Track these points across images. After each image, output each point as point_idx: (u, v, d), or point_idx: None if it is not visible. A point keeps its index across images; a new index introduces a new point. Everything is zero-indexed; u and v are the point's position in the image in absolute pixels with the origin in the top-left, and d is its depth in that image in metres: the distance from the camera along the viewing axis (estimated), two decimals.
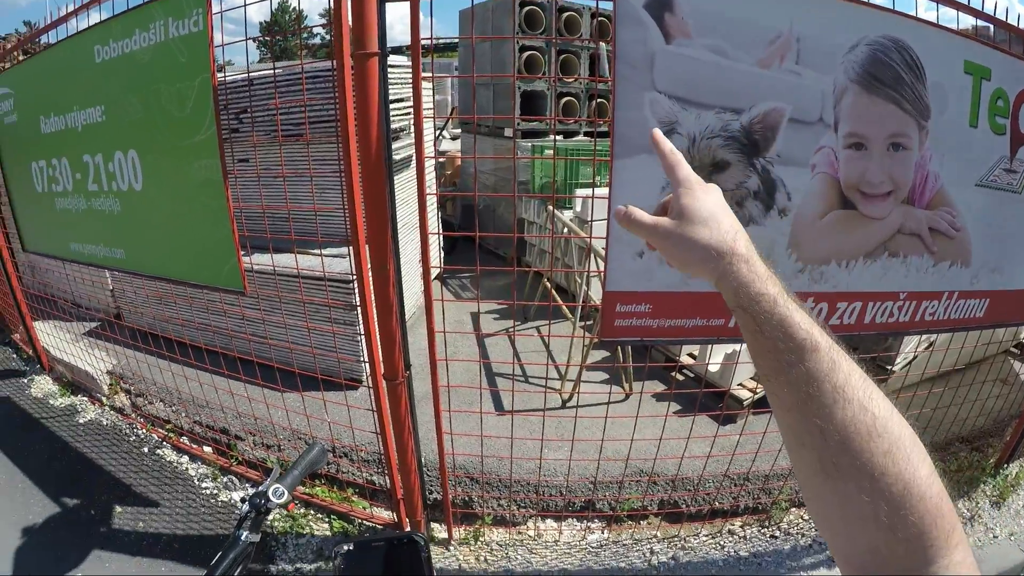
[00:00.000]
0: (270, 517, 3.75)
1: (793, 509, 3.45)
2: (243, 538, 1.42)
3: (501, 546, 3.45)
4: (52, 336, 5.75)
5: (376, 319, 2.62)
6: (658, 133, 0.86)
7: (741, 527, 3.41)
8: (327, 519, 3.66)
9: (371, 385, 2.89)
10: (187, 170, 2.82)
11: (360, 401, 3.97)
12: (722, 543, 3.33)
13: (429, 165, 5.55)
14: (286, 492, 1.50)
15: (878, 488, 0.56)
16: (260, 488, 1.49)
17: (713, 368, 4.12)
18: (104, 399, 5.18)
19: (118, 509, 4.11)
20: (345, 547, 0.70)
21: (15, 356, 6.54)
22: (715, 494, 3.46)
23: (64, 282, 5.63)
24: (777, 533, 3.34)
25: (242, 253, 2.85)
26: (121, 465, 4.51)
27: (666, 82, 2.21)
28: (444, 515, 3.36)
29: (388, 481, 3.25)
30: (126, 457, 4.57)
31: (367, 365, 2.82)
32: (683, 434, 3.15)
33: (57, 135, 3.52)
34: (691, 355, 4.46)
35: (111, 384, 5.24)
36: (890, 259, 2.53)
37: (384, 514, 3.55)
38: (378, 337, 2.67)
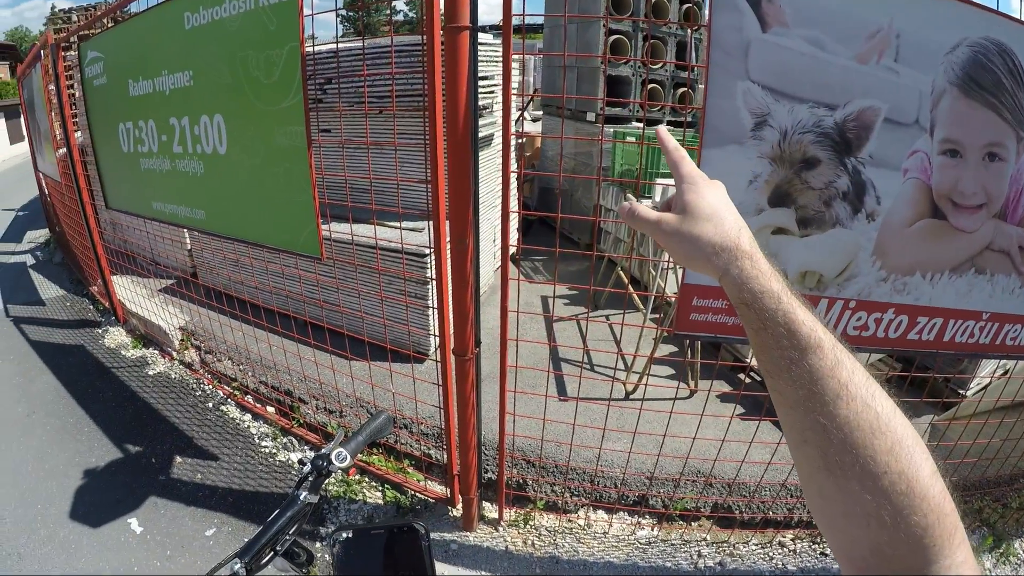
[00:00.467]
0: (329, 480, 3.88)
1: None
2: (302, 498, 1.44)
3: (550, 532, 3.45)
4: (128, 290, 6.01)
5: (451, 294, 2.62)
6: (662, 129, 0.88)
7: (792, 540, 3.32)
8: (381, 488, 3.72)
9: (439, 359, 2.91)
10: (271, 136, 2.87)
11: (425, 374, 4.01)
12: (771, 554, 3.26)
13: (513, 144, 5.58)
14: (348, 457, 1.50)
15: (881, 486, 0.56)
16: (323, 451, 1.50)
17: None
18: (174, 353, 5.39)
19: (178, 459, 4.27)
20: (344, 534, 0.69)
21: (91, 308, 6.84)
22: (770, 503, 3.38)
23: (144, 239, 5.83)
24: (828, 551, 3.24)
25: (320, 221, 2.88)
26: (185, 418, 4.68)
27: (760, 72, 2.14)
28: (497, 495, 3.37)
29: (446, 456, 3.27)
30: (191, 411, 4.75)
31: (437, 339, 2.83)
32: (745, 438, 3.08)
33: (145, 98, 3.63)
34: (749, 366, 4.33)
35: (182, 340, 5.43)
36: (976, 276, 2.42)
37: (438, 488, 3.58)
38: (451, 312, 2.67)
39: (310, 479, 1.49)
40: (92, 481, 4.26)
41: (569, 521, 3.51)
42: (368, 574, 0.70)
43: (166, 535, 3.73)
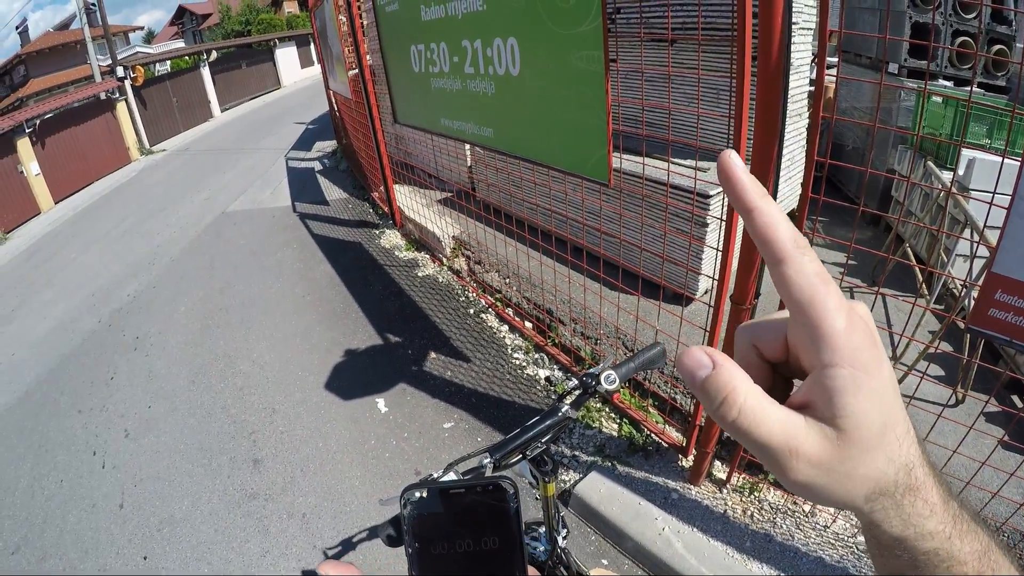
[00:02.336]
0: (589, 403, 3.96)
1: None
2: (563, 411, 1.48)
3: (772, 509, 3.30)
4: (407, 198, 6.51)
5: (739, 239, 2.51)
6: (732, 157, 0.42)
7: None
8: (619, 420, 3.76)
9: (712, 304, 2.82)
10: (566, 59, 2.89)
11: (690, 317, 3.97)
12: None
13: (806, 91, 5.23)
14: (617, 380, 1.48)
15: None
16: (593, 370, 1.50)
17: None
18: (444, 260, 5.79)
19: (432, 355, 4.61)
20: (416, 493, 0.56)
21: (371, 211, 7.52)
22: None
23: (427, 152, 6.23)
24: None
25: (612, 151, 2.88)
26: (445, 319, 5.03)
27: None
28: (732, 456, 3.28)
29: (692, 405, 3.22)
30: (452, 314, 5.09)
31: (715, 283, 2.75)
32: (1004, 468, 2.71)
33: (436, 22, 3.84)
34: None
35: (454, 248, 5.82)
36: None
37: (674, 435, 3.55)
38: (736, 257, 2.58)
39: (575, 394, 1.52)
40: (350, 360, 4.72)
41: (794, 503, 3.34)
42: (442, 541, 0.57)
43: (408, 419, 4.06)
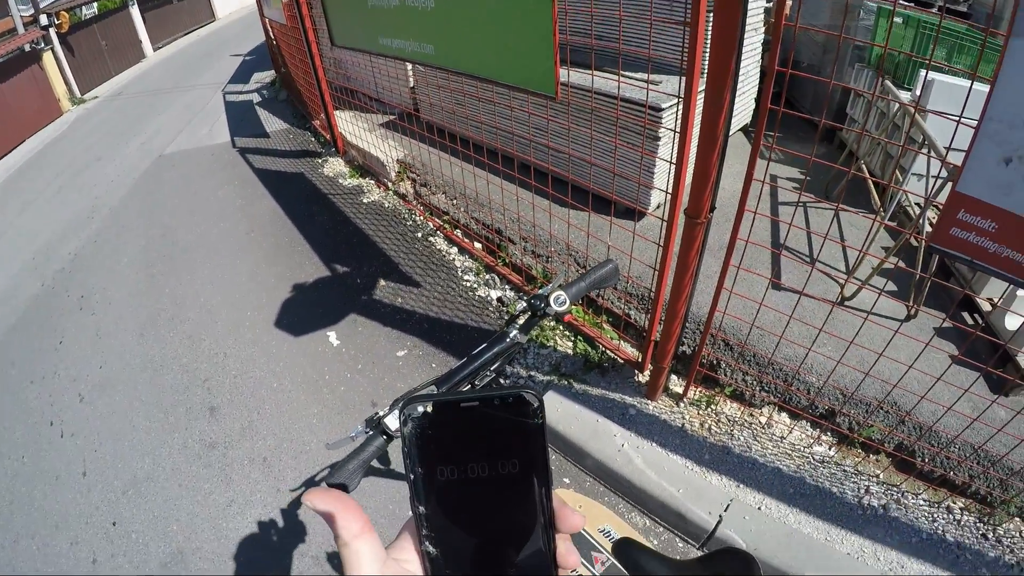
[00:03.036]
0: (543, 322, 3.92)
1: (1017, 520, 2.93)
2: (511, 336, 1.40)
3: (729, 421, 3.33)
4: (349, 124, 6.27)
5: (696, 151, 2.39)
6: None
7: (960, 510, 2.97)
8: (573, 338, 3.72)
9: (665, 218, 2.73)
10: None
11: (645, 231, 3.90)
12: (935, 516, 2.95)
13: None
14: (567, 300, 1.43)
15: None
16: (543, 291, 1.44)
17: (1011, 323, 3.47)
18: (389, 184, 5.65)
19: (381, 283, 4.53)
20: (419, 407, 0.48)
21: (313, 140, 7.29)
22: (955, 462, 3.02)
23: (368, 75, 6.00)
24: (990, 535, 2.88)
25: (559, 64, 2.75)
26: (394, 245, 4.93)
27: None
28: (688, 371, 3.26)
29: (647, 320, 3.17)
30: (399, 239, 4.99)
31: (668, 196, 2.65)
32: (956, 383, 2.72)
33: None
34: (991, 301, 3.79)
35: (399, 171, 5.66)
36: None
37: (630, 351, 3.53)
38: (691, 170, 2.45)
39: (523, 318, 1.45)
40: (299, 295, 4.62)
41: (751, 415, 3.37)
42: (450, 465, 0.49)
43: (360, 350, 4.01)
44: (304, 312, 4.45)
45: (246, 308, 4.57)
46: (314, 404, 3.69)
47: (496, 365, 1.45)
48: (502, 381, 3.59)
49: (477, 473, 0.49)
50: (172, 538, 3.07)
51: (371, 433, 1.28)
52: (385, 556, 0.48)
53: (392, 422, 1.26)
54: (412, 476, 0.49)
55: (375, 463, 3.34)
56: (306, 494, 0.48)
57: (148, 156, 8.73)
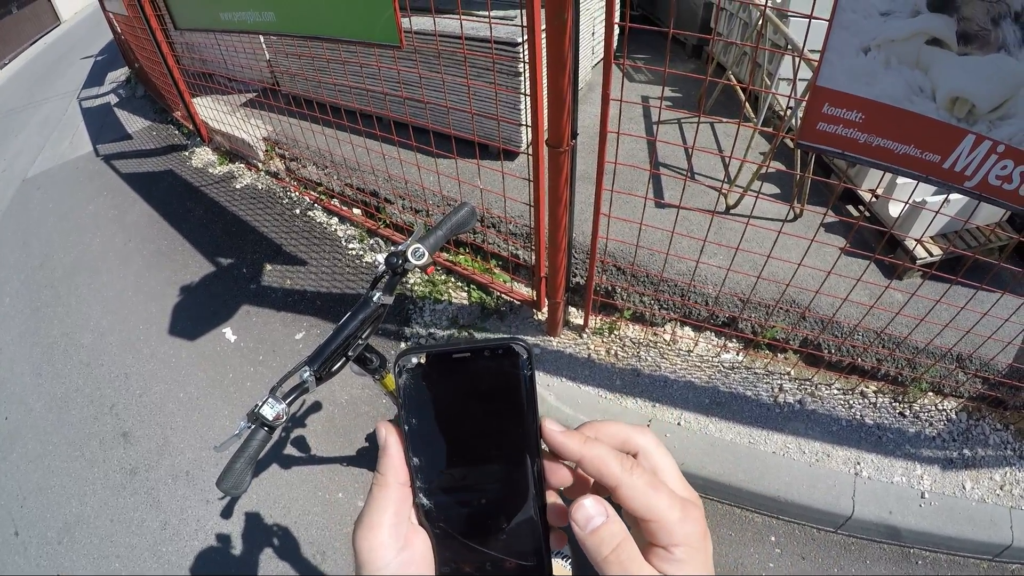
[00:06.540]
0: (408, 279, 3.87)
1: (931, 394, 3.10)
2: (375, 299, 1.37)
3: (634, 344, 3.37)
4: (211, 109, 6.01)
5: (546, 77, 2.33)
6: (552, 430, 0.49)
7: (875, 393, 3.15)
8: (466, 288, 3.69)
9: (531, 152, 2.69)
10: None
11: (516, 171, 3.86)
12: (851, 403, 3.12)
13: None
14: (426, 253, 1.40)
15: None
16: (399, 247, 1.39)
17: (894, 211, 3.58)
18: (260, 165, 5.48)
19: (268, 267, 4.40)
20: (413, 359, 0.48)
21: (177, 132, 6.93)
22: (862, 349, 3.16)
23: (222, 56, 5.74)
24: (907, 412, 3.07)
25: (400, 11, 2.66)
26: (273, 226, 4.79)
27: None
28: (584, 301, 3.26)
29: (534, 257, 3.15)
30: (278, 219, 4.85)
31: (529, 130, 2.60)
32: (849, 273, 2.81)
33: None
34: (873, 192, 3.86)
35: (267, 150, 5.49)
36: None
37: (524, 290, 3.52)
38: (545, 98, 2.40)
39: (385, 278, 1.41)
40: (188, 298, 4.44)
41: (655, 335, 3.41)
42: (442, 416, 0.49)
43: (258, 341, 3.91)
44: (196, 313, 4.28)
45: (137, 322, 4.36)
46: (223, 405, 3.59)
47: (367, 332, 1.41)
48: (403, 344, 3.59)
49: (469, 422, 0.50)
50: None
51: (252, 427, 1.23)
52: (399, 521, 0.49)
53: (268, 412, 1.21)
54: (407, 428, 0.49)
55: (295, 451, 3.29)
56: (379, 423, 0.50)
57: (11, 184, 8.11)
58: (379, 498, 0.48)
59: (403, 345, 3.64)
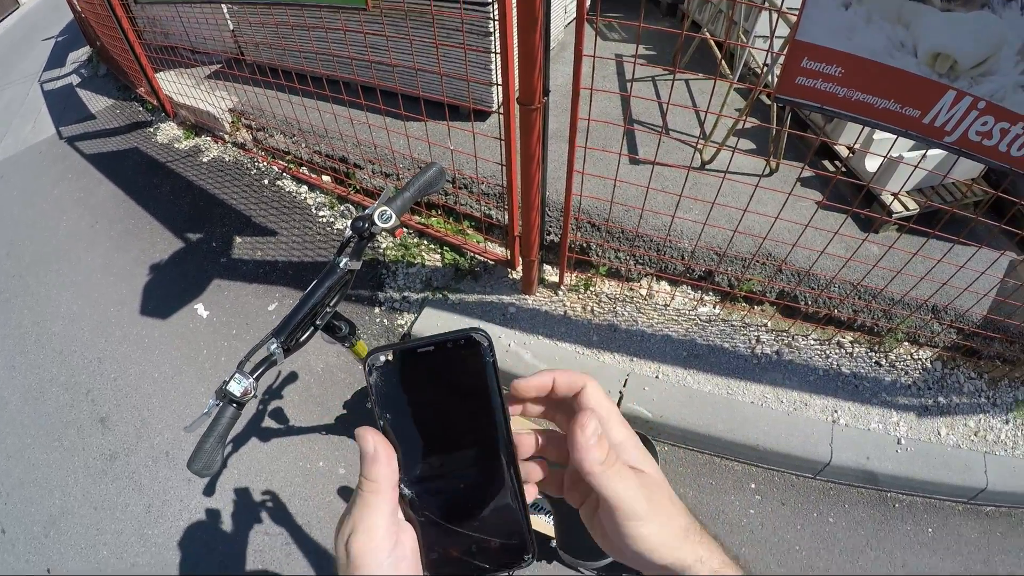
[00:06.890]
0: (380, 243, 3.82)
1: (907, 344, 3.13)
2: (341, 265, 1.33)
3: (610, 299, 3.36)
4: (175, 84, 5.85)
5: (516, 34, 2.27)
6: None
7: (851, 343, 3.18)
8: (439, 250, 3.66)
9: (502, 111, 2.64)
10: None
11: (488, 131, 3.80)
12: (827, 353, 3.15)
13: None
14: (393, 216, 1.35)
15: None
16: (365, 211, 1.35)
17: (871, 165, 3.60)
18: (226, 137, 5.36)
19: (238, 240, 4.33)
20: (381, 357, 0.50)
21: (141, 109, 6.77)
22: (838, 301, 3.18)
23: (184, 28, 5.60)
24: (883, 362, 3.11)
25: None
26: (242, 198, 4.70)
27: None
28: (559, 258, 3.24)
29: (507, 216, 3.11)
30: (247, 190, 4.76)
31: (500, 89, 2.54)
32: (827, 228, 2.81)
33: None
34: (850, 148, 3.87)
35: (233, 121, 5.37)
36: None
37: (498, 250, 3.49)
38: (516, 55, 2.34)
39: (352, 243, 1.37)
40: (158, 276, 4.37)
41: (631, 290, 3.40)
42: (415, 408, 0.51)
43: (231, 315, 3.86)
44: (167, 292, 4.20)
45: (108, 305, 4.27)
46: (199, 383, 3.55)
47: (335, 300, 1.38)
48: (377, 309, 3.55)
49: (439, 412, 0.52)
50: (107, 564, 2.93)
51: (221, 405, 1.19)
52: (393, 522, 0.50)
53: (236, 388, 1.18)
54: (381, 423, 0.51)
55: (273, 423, 3.26)
56: (358, 431, 0.51)
57: None
58: (373, 503, 0.49)
59: (377, 310, 3.63)
